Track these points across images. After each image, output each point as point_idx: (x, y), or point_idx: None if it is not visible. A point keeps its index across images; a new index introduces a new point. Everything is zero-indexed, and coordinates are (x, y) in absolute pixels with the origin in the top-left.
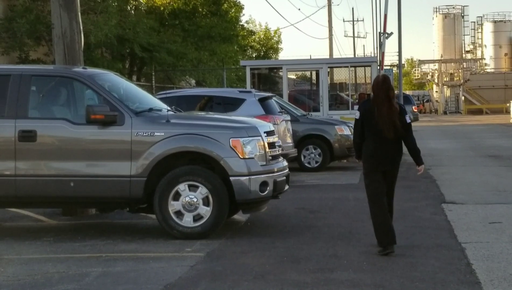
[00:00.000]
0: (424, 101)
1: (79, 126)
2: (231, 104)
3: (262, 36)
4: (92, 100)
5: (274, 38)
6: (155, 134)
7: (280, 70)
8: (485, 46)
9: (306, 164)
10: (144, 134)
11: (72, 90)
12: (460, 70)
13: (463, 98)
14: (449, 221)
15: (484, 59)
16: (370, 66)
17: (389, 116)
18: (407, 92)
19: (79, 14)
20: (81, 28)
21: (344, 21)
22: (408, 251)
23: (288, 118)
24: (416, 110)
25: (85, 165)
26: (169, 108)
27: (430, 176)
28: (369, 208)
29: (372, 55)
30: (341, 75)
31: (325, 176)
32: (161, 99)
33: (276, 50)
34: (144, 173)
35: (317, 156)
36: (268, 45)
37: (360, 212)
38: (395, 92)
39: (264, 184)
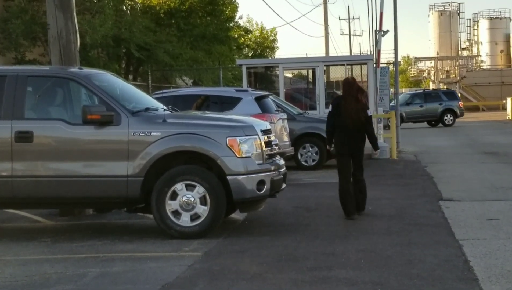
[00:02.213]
0: None
1: (75, 126)
2: (228, 103)
3: (258, 35)
4: (88, 100)
5: (270, 37)
6: (152, 133)
7: (277, 69)
8: (481, 43)
9: (303, 163)
10: (140, 134)
11: (68, 91)
12: (456, 67)
13: (459, 95)
14: (447, 218)
15: (480, 56)
16: (366, 64)
17: (356, 110)
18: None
19: (75, 14)
20: (77, 28)
21: (340, 19)
22: (405, 248)
23: (285, 116)
24: (462, 106)
25: (82, 166)
26: (165, 108)
27: (427, 173)
28: (338, 181)
29: (368, 53)
30: (338, 73)
31: (322, 174)
32: (157, 98)
33: (273, 49)
34: (141, 173)
35: (314, 154)
36: (265, 44)
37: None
38: (391, 90)
39: (261, 183)
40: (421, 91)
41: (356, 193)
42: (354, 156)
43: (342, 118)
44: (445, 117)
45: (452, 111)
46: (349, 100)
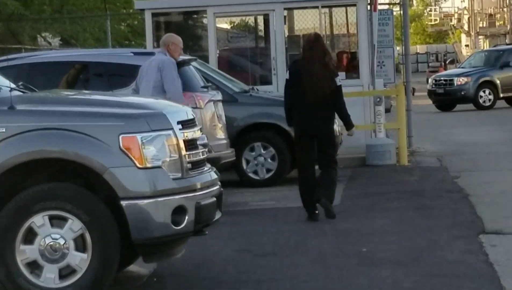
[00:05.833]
0: (447, 62)
1: None
2: (121, 76)
3: None
4: None
5: None
6: None
7: (204, 16)
8: None
9: (251, 175)
10: None
11: None
12: (505, 9)
13: None
14: (492, 263)
15: None
16: (355, 5)
17: (318, 79)
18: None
19: None
20: None
21: None
22: None
23: (219, 96)
24: None
25: None
26: (13, 86)
27: (460, 188)
28: (298, 172)
29: None
30: (307, 21)
31: (283, 194)
32: None
33: None
34: None
35: (269, 160)
36: None
37: (343, 256)
38: (397, 48)
39: (179, 211)
40: None
41: (323, 187)
42: (320, 140)
43: (301, 88)
44: None
45: None
46: (311, 65)
